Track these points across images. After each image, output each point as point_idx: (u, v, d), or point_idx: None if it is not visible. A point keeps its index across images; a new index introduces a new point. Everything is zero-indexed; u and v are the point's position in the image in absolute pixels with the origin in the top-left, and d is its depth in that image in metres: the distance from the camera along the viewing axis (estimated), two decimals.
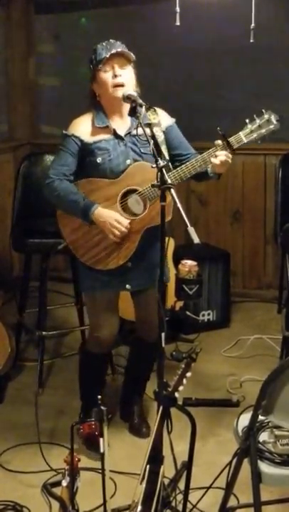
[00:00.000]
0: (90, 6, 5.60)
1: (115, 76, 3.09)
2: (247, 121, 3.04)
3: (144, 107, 2.93)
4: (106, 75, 3.11)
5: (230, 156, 3.06)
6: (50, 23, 5.85)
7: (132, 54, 3.11)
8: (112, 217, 3.11)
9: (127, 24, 5.39)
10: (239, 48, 4.84)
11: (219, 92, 5.36)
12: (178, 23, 3.08)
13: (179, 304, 4.49)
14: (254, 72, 5.20)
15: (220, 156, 3.04)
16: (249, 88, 5.22)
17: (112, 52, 3.07)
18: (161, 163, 2.65)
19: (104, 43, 3.13)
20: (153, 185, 2.77)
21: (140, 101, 2.93)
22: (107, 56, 3.07)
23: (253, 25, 3.09)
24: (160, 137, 2.98)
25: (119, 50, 3.08)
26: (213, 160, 3.05)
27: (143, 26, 5.40)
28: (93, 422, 2.47)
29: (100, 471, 2.50)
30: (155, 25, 5.25)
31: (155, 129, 2.97)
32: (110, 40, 3.14)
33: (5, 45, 5.60)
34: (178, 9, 3.07)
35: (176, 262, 4.27)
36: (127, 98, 3.00)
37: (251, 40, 3.08)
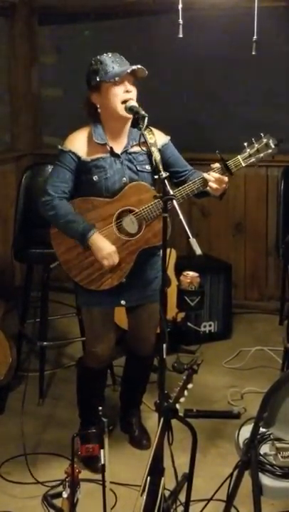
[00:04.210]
0: (93, 18, 5.63)
1: (127, 91, 3.07)
2: (245, 144, 3.01)
3: (146, 118, 2.93)
4: (117, 89, 3.06)
5: (225, 179, 3.03)
6: (53, 34, 5.88)
7: (146, 71, 3.08)
8: (108, 247, 3.09)
9: (128, 36, 5.42)
10: (241, 60, 4.85)
11: (220, 103, 5.37)
12: (181, 35, 3.08)
13: (181, 316, 4.48)
14: (256, 84, 5.22)
15: (210, 183, 3.02)
16: (251, 100, 5.24)
17: (134, 68, 3.04)
18: (164, 174, 2.65)
19: (110, 55, 3.10)
20: (155, 197, 2.77)
21: (143, 112, 2.93)
22: (128, 71, 3.03)
23: (255, 37, 3.08)
24: (157, 157, 2.97)
25: (139, 66, 3.05)
26: (210, 184, 3.02)
27: (145, 38, 5.42)
28: (90, 445, 2.47)
29: (101, 482, 2.49)
30: (157, 37, 5.28)
31: (152, 149, 2.98)
32: (116, 53, 3.13)
33: (8, 55, 5.62)
34: (181, 21, 3.07)
35: (178, 273, 4.27)
36: (130, 110, 3.01)
37: (253, 53, 3.08)
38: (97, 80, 3.10)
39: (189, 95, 5.42)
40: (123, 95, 3.07)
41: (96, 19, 5.65)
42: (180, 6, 3.07)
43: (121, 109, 3.08)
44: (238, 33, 4.78)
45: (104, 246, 3.09)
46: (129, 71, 3.04)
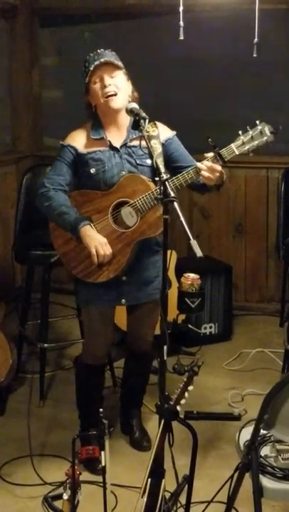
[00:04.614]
0: (93, 20, 5.64)
1: (104, 86, 3.09)
2: (240, 132, 2.97)
3: (147, 120, 2.92)
4: (96, 87, 3.11)
5: (218, 168, 2.99)
6: (53, 36, 5.89)
7: (117, 62, 3.10)
8: (98, 238, 3.08)
9: (129, 38, 5.42)
10: (241, 62, 4.85)
11: (221, 105, 5.37)
12: (182, 38, 3.07)
13: (181, 317, 4.48)
14: (256, 86, 5.22)
15: (202, 172, 2.98)
16: (251, 101, 5.24)
17: (96, 63, 3.07)
18: (164, 176, 2.65)
19: (92, 54, 3.12)
20: (156, 199, 2.76)
21: (143, 114, 2.92)
22: (91, 69, 3.07)
23: (256, 39, 3.08)
24: (158, 150, 2.97)
25: (102, 60, 3.07)
26: (202, 172, 2.99)
27: (145, 40, 5.42)
28: (91, 447, 2.47)
29: (101, 484, 2.49)
30: (157, 39, 5.28)
31: (153, 142, 2.97)
32: (98, 50, 3.13)
33: (9, 57, 5.63)
34: (182, 23, 3.07)
35: (179, 275, 4.27)
36: (130, 111, 3.00)
37: (254, 55, 3.07)
38: (84, 80, 3.16)
39: (190, 96, 5.42)
40: (102, 91, 3.10)
41: (97, 21, 5.65)
42: (181, 8, 3.06)
43: (105, 103, 3.11)
44: (239, 35, 4.80)
45: (95, 237, 3.08)
46: (91, 68, 3.07)
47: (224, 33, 5.09)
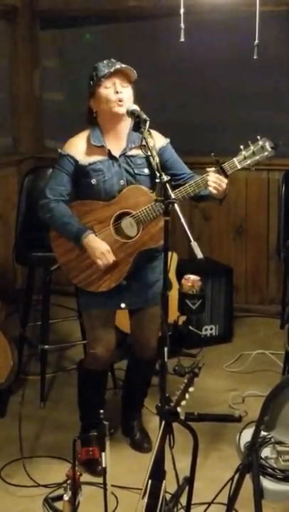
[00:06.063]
0: (94, 22, 5.65)
1: (116, 92, 3.10)
2: (241, 147, 3.03)
3: (148, 122, 2.93)
4: (107, 91, 3.12)
5: (224, 180, 3.04)
6: (54, 38, 5.90)
7: (134, 72, 3.13)
8: (102, 247, 3.12)
9: (130, 40, 5.43)
10: (242, 63, 4.86)
11: (221, 107, 5.38)
12: (182, 40, 3.08)
13: (182, 319, 4.49)
14: (257, 87, 5.23)
15: (209, 182, 3.01)
16: (252, 103, 5.24)
17: (117, 67, 3.09)
18: (165, 178, 2.66)
19: (105, 61, 3.15)
20: (157, 200, 2.77)
21: (144, 116, 2.94)
22: (111, 71, 3.08)
23: (256, 41, 3.08)
24: (156, 159, 2.98)
25: (123, 66, 3.10)
26: (209, 183, 3.02)
27: (146, 42, 5.43)
28: (91, 448, 2.47)
29: (102, 485, 2.49)
30: (158, 40, 5.29)
31: (153, 153, 2.98)
32: (112, 59, 3.16)
33: (10, 59, 5.63)
34: (182, 25, 3.07)
35: (179, 276, 4.28)
36: (131, 113, 3.02)
37: (255, 57, 3.08)
38: (91, 84, 3.16)
39: (191, 99, 5.43)
40: (113, 96, 3.11)
41: (98, 23, 5.67)
42: (182, 10, 3.07)
43: (113, 106, 3.11)
44: (239, 37, 4.80)
45: (98, 246, 3.12)
46: (112, 70, 3.08)
47: (225, 35, 5.09)
